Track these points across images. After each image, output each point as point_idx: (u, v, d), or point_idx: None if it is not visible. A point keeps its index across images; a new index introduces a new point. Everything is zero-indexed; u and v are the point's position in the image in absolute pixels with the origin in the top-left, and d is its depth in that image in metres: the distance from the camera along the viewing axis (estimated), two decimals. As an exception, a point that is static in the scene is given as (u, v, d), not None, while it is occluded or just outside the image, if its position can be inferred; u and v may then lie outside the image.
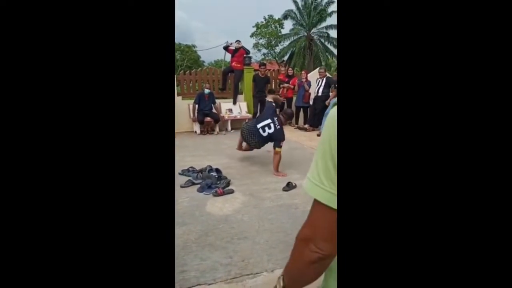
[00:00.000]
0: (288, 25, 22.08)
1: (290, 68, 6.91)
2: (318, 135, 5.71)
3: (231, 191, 3.06)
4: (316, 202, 0.52)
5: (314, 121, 6.17)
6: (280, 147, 3.71)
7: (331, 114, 0.50)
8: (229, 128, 6.40)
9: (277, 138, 3.73)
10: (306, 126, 6.39)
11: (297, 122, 6.68)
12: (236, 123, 6.55)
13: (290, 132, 6.14)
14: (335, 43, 21.87)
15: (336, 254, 0.53)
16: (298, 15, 22.41)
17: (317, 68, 7.82)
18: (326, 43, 22.39)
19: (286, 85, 6.56)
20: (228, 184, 3.24)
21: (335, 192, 0.48)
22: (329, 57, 22.47)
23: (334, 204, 0.48)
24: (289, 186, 3.14)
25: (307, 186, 0.53)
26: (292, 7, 22.10)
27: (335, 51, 22.21)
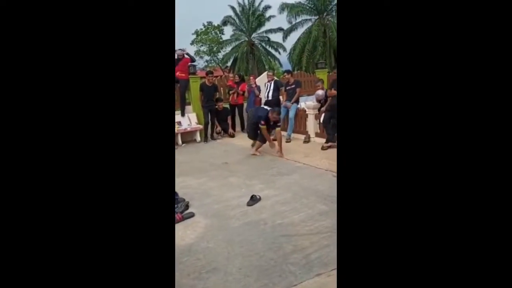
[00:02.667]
0: (228, 31, 22.07)
1: (237, 74, 6.76)
2: (274, 140, 5.62)
3: (191, 215, 2.76)
4: None
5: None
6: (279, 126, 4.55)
7: None
8: (180, 142, 6.00)
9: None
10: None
11: (243, 128, 6.54)
12: (187, 136, 6.18)
13: (245, 139, 5.98)
14: (275, 46, 22.51)
15: None
16: (237, 21, 22.60)
17: (265, 72, 7.81)
18: (267, 47, 22.90)
19: (236, 91, 6.39)
20: (186, 206, 2.93)
21: None
22: (271, 60, 22.99)
23: None
24: (254, 200, 2.95)
25: None
26: (230, 13, 22.21)
27: (276, 54, 22.87)
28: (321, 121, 4.96)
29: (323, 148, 4.66)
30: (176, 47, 6.23)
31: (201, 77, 6.67)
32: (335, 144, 4.72)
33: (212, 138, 6.16)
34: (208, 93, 6.04)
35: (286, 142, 5.31)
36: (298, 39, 20.00)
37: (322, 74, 7.47)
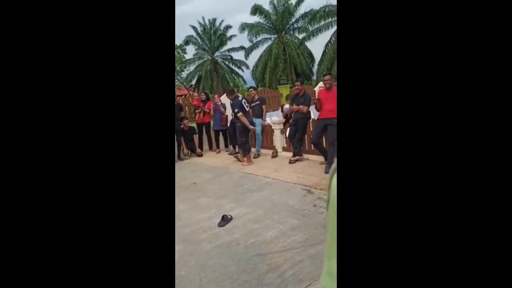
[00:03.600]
0: (190, 50, 22.07)
1: (203, 93, 6.71)
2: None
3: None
4: None
5: (235, 143, 6.08)
6: None
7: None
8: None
9: None
10: (229, 151, 6.24)
11: (218, 146, 6.48)
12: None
13: (213, 157, 5.90)
14: (238, 64, 22.92)
15: None
16: (199, 40, 22.76)
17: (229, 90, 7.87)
18: (230, 64, 23.24)
19: (202, 110, 6.30)
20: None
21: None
22: (235, 77, 23.31)
23: None
24: (225, 220, 2.89)
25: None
26: (192, 32, 22.34)
27: (240, 71, 23.26)
28: (287, 135, 5.06)
29: (290, 162, 4.74)
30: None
31: (179, 95, 6.52)
32: (302, 157, 4.83)
33: (179, 158, 6.00)
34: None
35: (254, 157, 5.33)
36: (260, 56, 20.56)
37: (285, 90, 7.69)
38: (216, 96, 6.65)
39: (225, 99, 6.46)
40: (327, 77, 4.37)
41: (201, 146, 6.39)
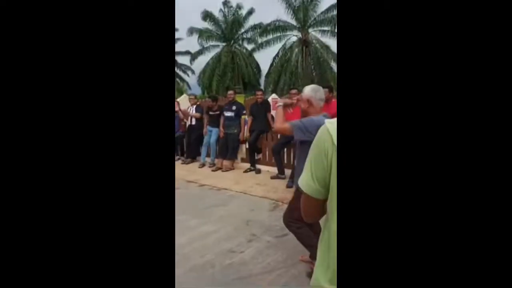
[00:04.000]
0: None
1: None
2: (200, 167, 5.32)
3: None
4: (305, 195, 0.73)
5: (191, 152, 5.76)
6: None
7: (323, 137, 0.67)
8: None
9: None
10: (181, 158, 5.88)
11: (177, 154, 6.05)
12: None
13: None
14: (183, 69, 22.26)
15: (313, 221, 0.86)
16: (143, 40, 21.51)
17: (183, 96, 7.49)
18: (175, 69, 22.42)
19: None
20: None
21: (318, 188, 0.69)
22: (179, 82, 22.56)
23: (315, 195, 0.71)
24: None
25: (303, 184, 0.73)
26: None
27: (185, 76, 22.61)
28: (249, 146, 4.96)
29: (245, 171, 4.63)
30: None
31: None
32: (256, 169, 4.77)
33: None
34: None
35: (212, 169, 5.10)
36: (208, 63, 20.27)
37: (240, 98, 7.63)
38: (176, 102, 6.25)
39: (182, 104, 6.12)
40: (293, 91, 4.42)
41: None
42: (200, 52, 20.61)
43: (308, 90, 2.00)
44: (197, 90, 19.44)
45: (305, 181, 0.72)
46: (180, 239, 2.65)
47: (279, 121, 2.07)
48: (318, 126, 2.05)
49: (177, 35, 21.69)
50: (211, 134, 5.34)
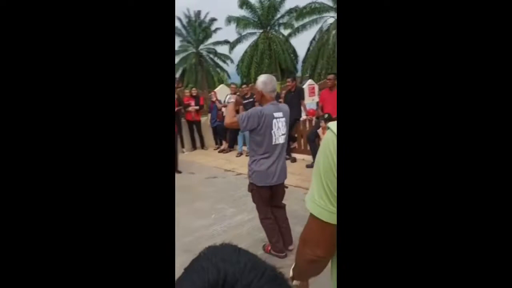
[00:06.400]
0: (175, 42, 21.48)
1: (194, 89, 6.42)
2: (237, 156, 5.45)
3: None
4: (311, 216, 0.62)
5: (230, 141, 5.91)
6: None
7: (327, 137, 0.60)
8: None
9: None
10: (220, 147, 6.06)
11: (217, 143, 6.27)
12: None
13: (205, 156, 5.68)
14: (223, 58, 22.55)
15: (329, 257, 0.66)
16: (185, 32, 22.17)
17: (222, 86, 7.64)
18: (215, 58, 22.83)
19: (193, 107, 5.98)
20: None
21: (328, 208, 0.59)
22: (219, 72, 22.94)
23: (325, 218, 0.59)
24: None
25: (309, 205, 0.63)
26: (177, 24, 21.70)
27: (224, 66, 22.91)
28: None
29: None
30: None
31: None
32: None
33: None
34: None
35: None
36: (245, 51, 20.28)
37: (277, 86, 7.56)
38: (212, 93, 6.42)
39: (220, 94, 6.26)
40: (331, 76, 4.27)
41: (194, 145, 6.19)
42: (238, 41, 20.68)
43: (258, 82, 2.11)
44: (236, 79, 19.68)
45: (315, 201, 0.59)
46: (217, 228, 2.78)
47: (228, 116, 2.16)
48: (259, 115, 1.76)
49: (216, 25, 22.02)
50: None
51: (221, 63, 23.03)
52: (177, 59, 21.61)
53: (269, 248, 2.35)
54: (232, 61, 22.40)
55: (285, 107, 2.22)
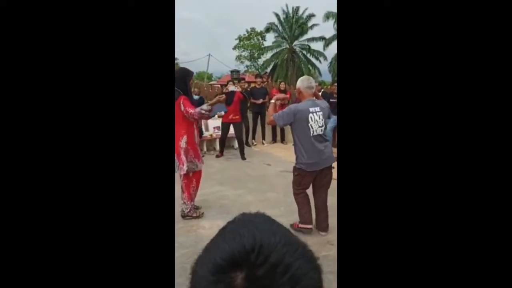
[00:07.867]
0: (270, 37, 22.09)
1: (282, 83, 6.51)
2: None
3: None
4: None
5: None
6: None
7: None
8: (218, 147, 5.94)
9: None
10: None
11: None
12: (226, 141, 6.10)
13: (284, 150, 5.77)
14: (316, 55, 22.13)
15: None
16: (280, 28, 22.56)
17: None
18: (308, 55, 22.60)
19: (281, 95, 5.99)
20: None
21: None
22: (311, 68, 22.63)
23: None
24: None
25: None
26: (274, 20, 22.25)
27: (317, 63, 22.49)
28: None
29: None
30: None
31: (248, 82, 6.56)
32: None
33: (247, 145, 6.02)
34: (258, 97, 5.92)
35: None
36: (341, 48, 19.43)
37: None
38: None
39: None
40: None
41: (274, 137, 6.33)
42: (334, 37, 19.98)
43: (298, 81, 2.45)
44: (327, 77, 19.12)
45: None
46: (283, 220, 2.80)
47: (268, 115, 2.49)
48: (293, 111, 2.17)
49: (313, 20, 21.72)
50: (330, 122, 5.23)
51: (314, 60, 22.69)
52: (269, 55, 22.23)
53: (297, 224, 2.55)
54: (325, 58, 21.82)
55: (323, 103, 2.46)
